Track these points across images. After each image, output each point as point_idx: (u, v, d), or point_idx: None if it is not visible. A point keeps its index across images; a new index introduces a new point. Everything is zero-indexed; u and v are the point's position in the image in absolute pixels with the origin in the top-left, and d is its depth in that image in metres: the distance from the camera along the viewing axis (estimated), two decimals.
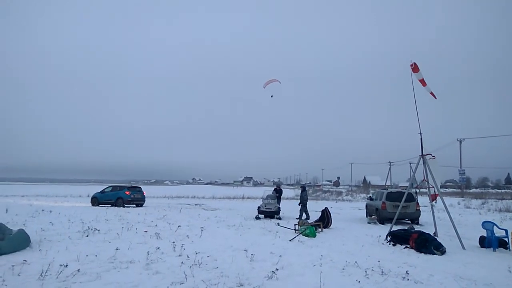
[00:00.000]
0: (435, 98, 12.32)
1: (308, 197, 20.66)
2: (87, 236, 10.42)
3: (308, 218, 17.62)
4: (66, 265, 6.42)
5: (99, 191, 26.98)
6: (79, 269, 6.39)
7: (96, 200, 25.59)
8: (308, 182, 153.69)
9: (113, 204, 24.47)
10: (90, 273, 6.36)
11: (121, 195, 24.64)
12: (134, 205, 24.85)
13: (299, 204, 18.89)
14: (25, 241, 8.55)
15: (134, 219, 15.61)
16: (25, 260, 6.86)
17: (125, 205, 24.25)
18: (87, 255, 7.63)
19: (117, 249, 8.25)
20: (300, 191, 20.27)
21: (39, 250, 8.16)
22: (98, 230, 11.37)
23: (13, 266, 6.44)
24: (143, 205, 25.38)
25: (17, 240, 8.30)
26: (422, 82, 11.83)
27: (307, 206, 18.79)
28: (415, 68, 11.64)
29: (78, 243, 9.34)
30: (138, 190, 25.83)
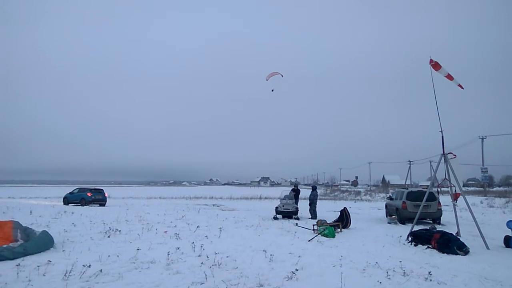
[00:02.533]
0: (462, 88, 12.09)
1: (318, 197, 20.32)
2: (108, 236, 10.60)
3: (313, 217, 17.64)
4: (89, 266, 6.55)
5: (68, 192, 30.65)
6: (101, 270, 6.50)
7: (67, 200, 29.16)
8: (325, 182, 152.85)
9: (79, 203, 27.85)
10: (112, 273, 6.47)
11: (84, 196, 28.22)
12: (98, 205, 27.68)
13: (309, 205, 18.90)
14: (49, 242, 8.77)
15: (153, 219, 15.81)
16: (50, 261, 7.02)
17: (87, 205, 27.24)
18: (109, 256, 7.77)
19: (138, 249, 8.36)
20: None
21: (63, 250, 8.34)
22: (119, 230, 11.56)
23: (38, 266, 6.59)
24: (105, 205, 28.07)
25: (41, 241, 8.52)
26: (449, 77, 11.64)
27: (316, 206, 18.90)
28: (436, 65, 11.45)
29: (100, 243, 9.52)
30: (99, 192, 29.20)
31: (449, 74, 11.63)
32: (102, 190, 29.77)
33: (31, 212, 17.84)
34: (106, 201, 28.89)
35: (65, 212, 18.60)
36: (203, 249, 8.64)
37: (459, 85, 11.97)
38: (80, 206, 26.26)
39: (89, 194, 28.22)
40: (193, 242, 9.45)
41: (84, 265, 6.54)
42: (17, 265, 6.50)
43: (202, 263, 7.39)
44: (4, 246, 7.62)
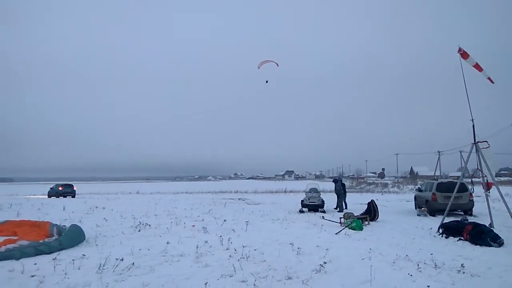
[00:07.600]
0: (492, 82, 11.59)
1: (345, 189, 19.92)
2: (139, 231, 10.86)
3: (337, 209, 17.57)
4: (122, 259, 6.74)
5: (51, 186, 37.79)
6: (133, 263, 6.68)
7: (50, 193, 35.93)
8: (351, 174, 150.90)
9: (54, 195, 34.03)
10: (144, 266, 6.65)
11: (57, 190, 35.11)
12: (71, 197, 33.59)
13: (337, 197, 18.89)
14: (80, 234, 9.07)
15: (181, 214, 16.06)
16: (84, 255, 7.27)
17: (60, 196, 33.08)
18: (140, 249, 7.96)
19: (167, 243, 8.55)
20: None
21: (96, 245, 8.61)
22: (149, 225, 11.82)
23: (73, 260, 6.83)
24: (75, 196, 34.17)
25: (73, 234, 8.83)
26: (477, 67, 11.16)
27: (343, 198, 19.03)
28: (464, 54, 11.03)
29: (131, 237, 9.77)
30: (69, 186, 36.56)
31: (477, 64, 11.16)
32: (72, 185, 37.18)
33: (64, 208, 18.46)
34: (75, 193, 35.44)
35: (97, 207, 19.15)
36: (231, 243, 8.73)
37: (489, 79, 11.47)
38: (72, 198, 31.81)
39: (60, 188, 35.30)
40: (220, 236, 9.55)
41: (116, 259, 6.72)
42: (53, 259, 6.75)
43: (230, 256, 7.48)
44: (41, 241, 7.95)
